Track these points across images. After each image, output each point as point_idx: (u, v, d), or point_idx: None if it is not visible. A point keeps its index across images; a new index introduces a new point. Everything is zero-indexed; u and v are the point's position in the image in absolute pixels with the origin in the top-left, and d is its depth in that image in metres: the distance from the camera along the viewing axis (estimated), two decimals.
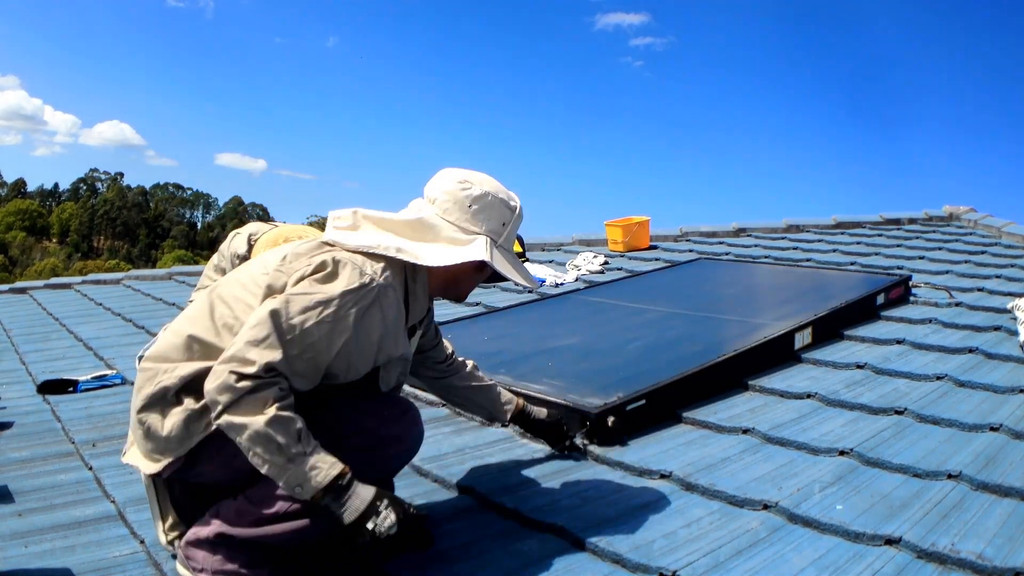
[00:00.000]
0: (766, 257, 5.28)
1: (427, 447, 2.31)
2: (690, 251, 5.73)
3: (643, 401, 2.34)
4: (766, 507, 1.80)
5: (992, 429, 2.13)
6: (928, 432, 2.18)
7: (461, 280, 1.80)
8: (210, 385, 1.45)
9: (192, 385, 1.54)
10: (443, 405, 2.72)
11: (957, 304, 3.58)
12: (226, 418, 1.44)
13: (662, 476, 2.01)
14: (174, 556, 1.65)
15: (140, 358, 2.42)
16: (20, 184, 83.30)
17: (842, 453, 2.06)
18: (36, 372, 3.49)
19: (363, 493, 1.48)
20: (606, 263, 5.15)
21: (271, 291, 1.58)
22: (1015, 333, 2.98)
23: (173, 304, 4.92)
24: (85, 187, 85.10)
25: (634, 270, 4.87)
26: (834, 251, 5.39)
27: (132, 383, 3.21)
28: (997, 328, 3.12)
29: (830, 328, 3.18)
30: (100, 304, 5.18)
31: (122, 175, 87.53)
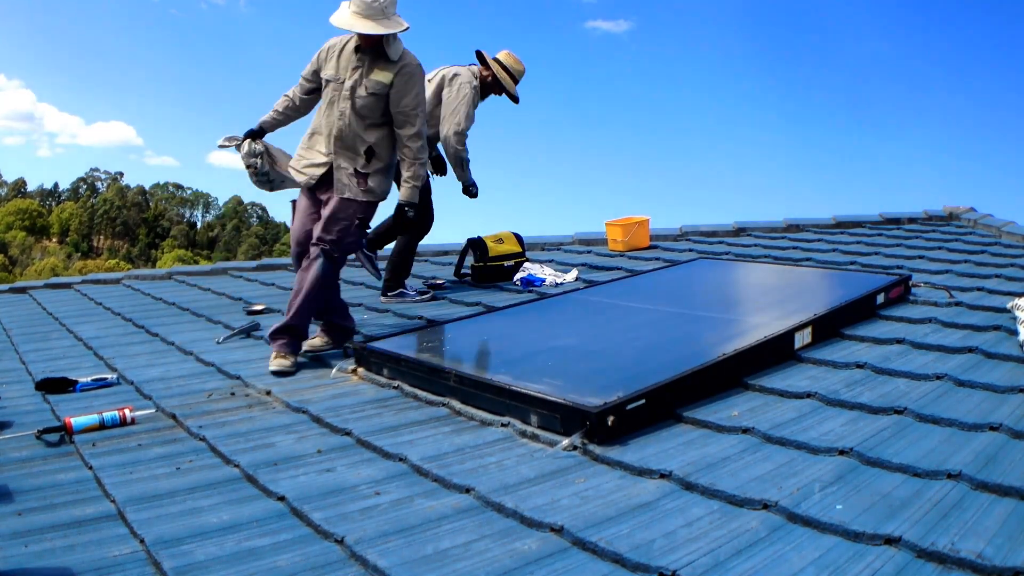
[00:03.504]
0: (766, 257, 5.28)
1: (427, 447, 2.32)
2: (690, 251, 5.73)
3: (643, 401, 2.34)
4: (766, 506, 1.80)
5: (992, 428, 2.13)
6: (928, 431, 2.18)
7: None
8: None
9: None
10: (443, 405, 2.72)
11: (957, 304, 3.58)
12: None
13: (662, 476, 2.01)
14: None
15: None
16: (20, 184, 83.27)
17: (842, 452, 2.06)
18: (36, 372, 3.50)
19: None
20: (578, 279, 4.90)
21: None
22: (1015, 332, 2.99)
23: (173, 304, 4.92)
24: (85, 187, 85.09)
25: (634, 270, 4.87)
26: (834, 251, 5.40)
27: (131, 383, 3.22)
28: (997, 327, 3.12)
29: (830, 327, 3.19)
30: (100, 304, 5.18)
31: (122, 175, 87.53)
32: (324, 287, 3.39)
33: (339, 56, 3.44)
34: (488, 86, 4.61)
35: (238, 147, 3.57)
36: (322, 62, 3.47)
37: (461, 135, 4.44)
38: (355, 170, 3.39)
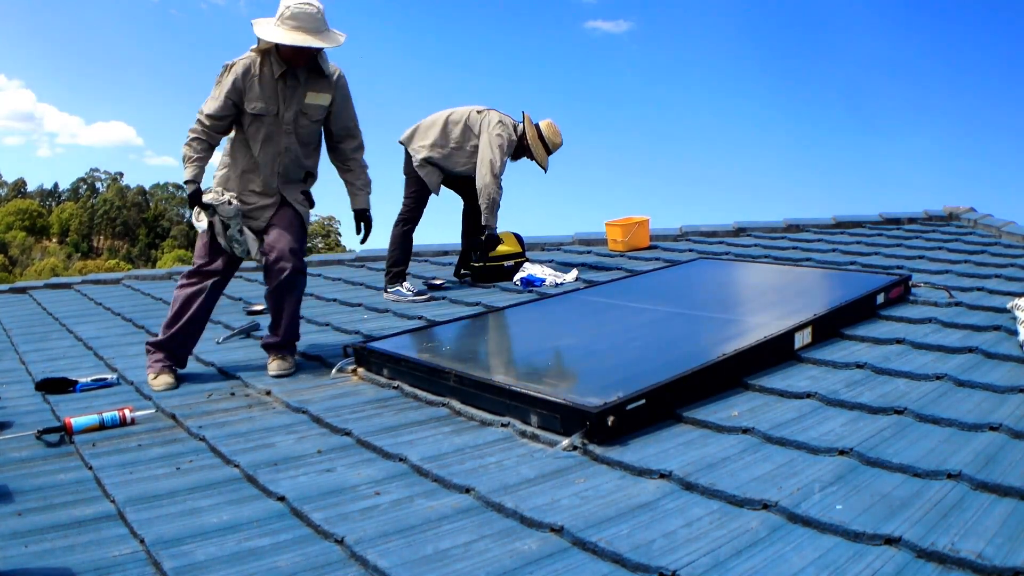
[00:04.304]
0: (766, 257, 5.28)
1: (426, 447, 2.32)
2: (690, 251, 5.73)
3: (643, 401, 2.34)
4: (766, 507, 1.80)
5: (992, 428, 2.13)
6: (928, 432, 2.18)
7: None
8: None
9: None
10: (443, 405, 2.72)
11: (957, 304, 3.58)
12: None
13: (662, 476, 2.01)
14: None
15: None
16: (20, 184, 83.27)
17: (842, 453, 2.06)
18: (36, 372, 3.50)
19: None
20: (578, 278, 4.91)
21: None
22: (1015, 333, 2.98)
23: None
24: (85, 187, 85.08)
25: (634, 270, 4.87)
26: (834, 251, 5.40)
27: (131, 383, 3.22)
28: (997, 328, 3.12)
29: (830, 327, 3.18)
30: (100, 304, 5.19)
31: (122, 175, 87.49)
32: (302, 297, 3.40)
33: (260, 86, 3.09)
34: (522, 147, 4.72)
35: (211, 217, 3.15)
36: (243, 94, 3.08)
37: (497, 177, 4.55)
38: (299, 193, 3.31)
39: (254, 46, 3.12)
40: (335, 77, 3.21)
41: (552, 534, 1.76)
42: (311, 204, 3.39)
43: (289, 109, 3.14)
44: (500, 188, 4.59)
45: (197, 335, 3.34)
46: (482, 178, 4.57)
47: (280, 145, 3.18)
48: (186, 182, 3.15)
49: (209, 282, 3.24)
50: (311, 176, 3.38)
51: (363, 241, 3.45)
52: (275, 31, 2.98)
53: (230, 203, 3.14)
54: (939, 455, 1.99)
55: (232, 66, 3.09)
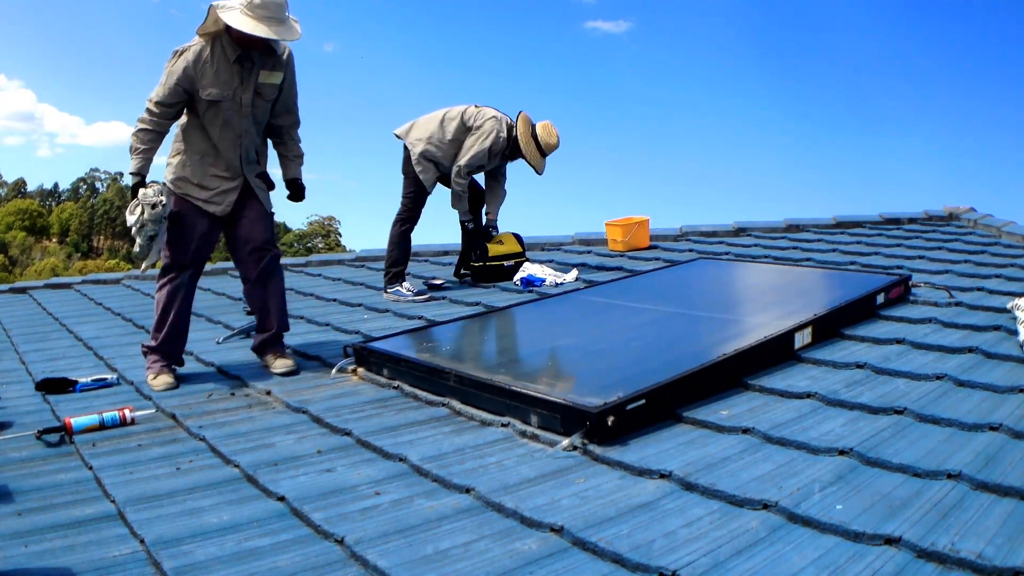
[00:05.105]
0: (766, 257, 5.28)
1: (427, 447, 2.32)
2: (690, 251, 5.73)
3: (643, 401, 2.34)
4: (766, 507, 1.80)
5: (992, 428, 2.13)
6: (928, 432, 2.18)
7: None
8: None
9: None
10: (443, 405, 2.72)
11: (957, 304, 3.58)
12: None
13: (662, 476, 2.01)
14: None
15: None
16: (20, 184, 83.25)
17: (842, 453, 2.06)
18: (36, 372, 3.50)
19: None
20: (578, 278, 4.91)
21: None
22: (1015, 332, 2.98)
23: None
24: (85, 187, 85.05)
25: (634, 270, 4.87)
26: (834, 251, 5.40)
27: (131, 383, 3.22)
28: (997, 328, 3.12)
29: (830, 327, 3.18)
30: (100, 304, 5.19)
31: (121, 175, 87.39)
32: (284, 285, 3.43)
33: (214, 71, 3.04)
34: (517, 148, 4.72)
35: (147, 211, 3.10)
36: (195, 82, 3.03)
37: (459, 170, 4.63)
38: (256, 176, 3.29)
39: (201, 30, 3.05)
40: (285, 55, 3.20)
41: (552, 534, 1.76)
42: (271, 186, 3.38)
43: (247, 91, 3.12)
44: (460, 181, 4.65)
45: (187, 330, 3.34)
46: (452, 171, 4.66)
47: (240, 128, 3.16)
48: (131, 173, 3.14)
49: (185, 274, 3.24)
50: (261, 154, 3.36)
51: (297, 200, 3.47)
52: (246, 21, 2.92)
53: (153, 207, 3.10)
54: (939, 455, 1.99)
55: (183, 52, 3.05)
